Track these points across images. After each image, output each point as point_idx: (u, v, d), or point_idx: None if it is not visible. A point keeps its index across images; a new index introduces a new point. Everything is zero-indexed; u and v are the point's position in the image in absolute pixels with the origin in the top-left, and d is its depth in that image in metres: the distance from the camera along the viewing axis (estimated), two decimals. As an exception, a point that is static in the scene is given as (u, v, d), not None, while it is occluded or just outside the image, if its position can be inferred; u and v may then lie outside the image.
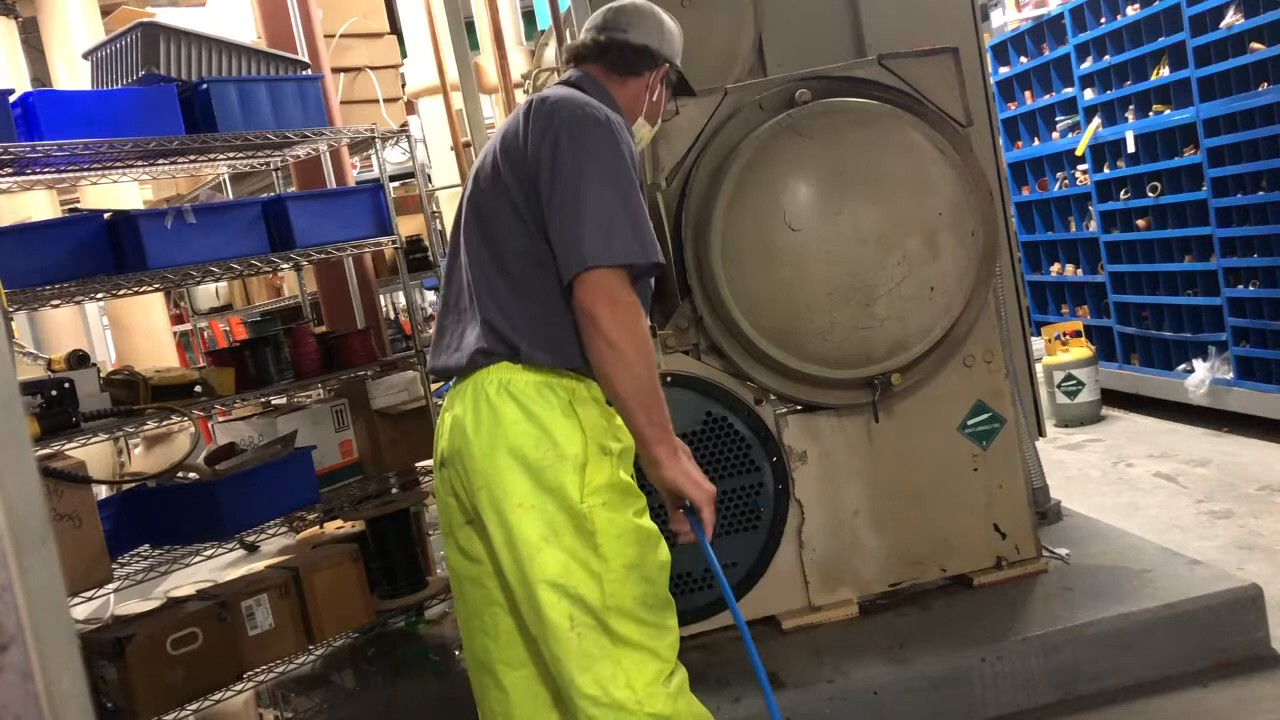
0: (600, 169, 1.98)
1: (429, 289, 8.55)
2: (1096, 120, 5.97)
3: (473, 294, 2.12)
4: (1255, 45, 4.72)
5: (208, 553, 3.56)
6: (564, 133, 2.01)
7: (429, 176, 6.11)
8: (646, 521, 2.07)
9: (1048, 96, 6.57)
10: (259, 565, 3.87)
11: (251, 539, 3.89)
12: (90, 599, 3.19)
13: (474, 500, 2.06)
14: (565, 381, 2.04)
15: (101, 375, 3.39)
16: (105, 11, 6.60)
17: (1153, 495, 4.59)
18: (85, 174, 3.84)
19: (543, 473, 1.98)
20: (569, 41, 2.40)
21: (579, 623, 1.98)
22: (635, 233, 1.98)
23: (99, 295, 3.63)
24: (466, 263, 2.15)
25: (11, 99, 3.14)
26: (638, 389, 1.98)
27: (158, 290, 5.31)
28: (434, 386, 4.37)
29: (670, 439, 2.04)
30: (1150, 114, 5.54)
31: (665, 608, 2.08)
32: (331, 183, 4.45)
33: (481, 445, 2.01)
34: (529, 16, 7.46)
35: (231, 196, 5.26)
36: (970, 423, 3.21)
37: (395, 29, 6.19)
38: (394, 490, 4.19)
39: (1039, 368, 4.74)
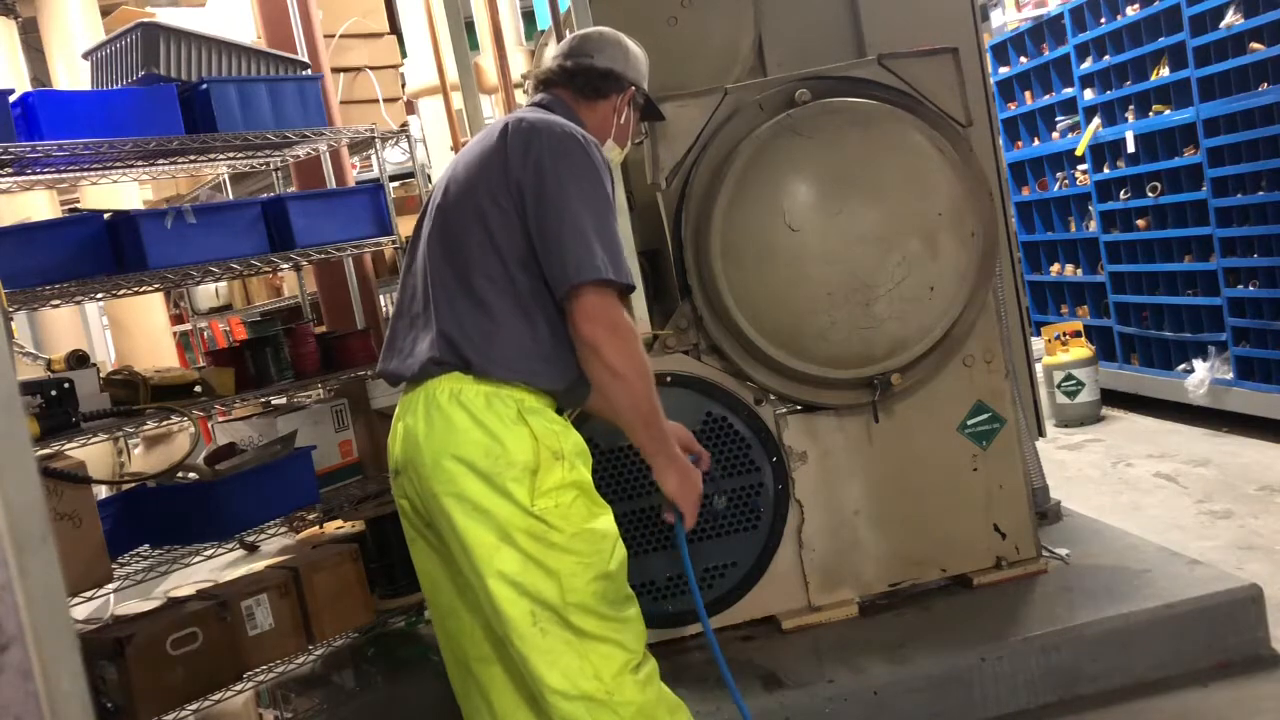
0: (583, 192, 2.05)
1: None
2: (1096, 120, 5.97)
3: (430, 304, 2.16)
4: (1255, 45, 4.72)
5: (208, 553, 3.56)
6: (546, 156, 2.07)
7: (429, 176, 6.11)
8: (603, 521, 2.11)
9: (1048, 96, 6.57)
10: (259, 565, 3.87)
11: (251, 539, 3.89)
12: (90, 599, 3.18)
13: (428, 506, 2.11)
14: (514, 392, 2.08)
15: (101, 375, 3.38)
16: (105, 11, 6.60)
17: (1153, 495, 4.59)
18: (85, 174, 3.83)
19: (493, 479, 2.02)
20: (537, 68, 2.49)
21: (541, 619, 2.02)
22: (615, 256, 2.05)
23: (99, 295, 3.63)
24: (427, 272, 2.19)
25: (11, 99, 3.14)
26: (639, 410, 2.08)
27: (158, 290, 5.31)
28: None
29: (668, 447, 2.15)
30: (1150, 114, 5.54)
31: (627, 602, 2.13)
32: (331, 183, 4.45)
33: (433, 453, 2.06)
34: (529, 16, 7.45)
35: (231, 196, 5.26)
36: (970, 423, 3.21)
37: (395, 29, 6.19)
38: (394, 490, 4.18)
39: (1039, 368, 4.74)
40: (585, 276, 2.00)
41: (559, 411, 2.18)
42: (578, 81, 2.33)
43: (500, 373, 2.07)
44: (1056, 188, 6.65)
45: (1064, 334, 6.05)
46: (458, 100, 4.95)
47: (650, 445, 2.13)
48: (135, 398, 3.35)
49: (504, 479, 2.02)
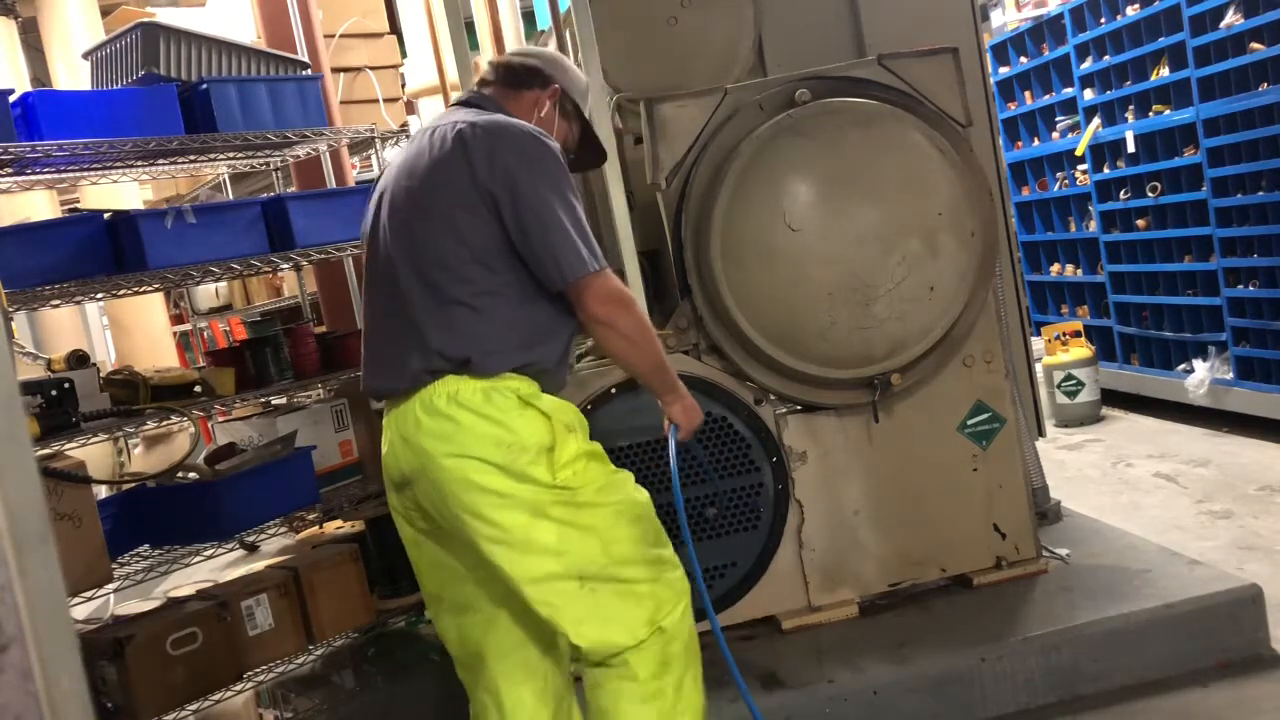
0: (554, 189, 2.14)
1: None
2: (1096, 120, 5.97)
3: (409, 316, 2.17)
4: (1255, 45, 4.72)
5: (208, 553, 3.55)
6: (513, 160, 2.13)
7: (429, 176, 6.10)
8: (620, 472, 2.22)
9: (1048, 96, 6.56)
10: (259, 565, 3.86)
11: (251, 539, 3.89)
12: (90, 599, 3.18)
13: (447, 510, 2.11)
14: (510, 383, 2.13)
15: (101, 375, 3.38)
16: (105, 11, 6.60)
17: (1153, 495, 4.59)
18: (85, 174, 3.83)
19: (510, 468, 2.06)
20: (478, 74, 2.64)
21: (589, 581, 2.09)
22: (590, 243, 2.16)
23: (99, 295, 3.63)
24: (398, 285, 2.20)
25: (11, 99, 3.13)
26: (651, 364, 2.29)
27: (158, 290, 5.31)
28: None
29: (677, 386, 2.37)
30: (1150, 114, 5.54)
31: (660, 540, 2.22)
32: (331, 183, 4.45)
33: (444, 455, 2.08)
34: (529, 16, 7.44)
35: (231, 196, 5.26)
36: (970, 423, 3.21)
37: (395, 29, 6.19)
38: (394, 490, 4.17)
39: (1039, 368, 4.74)
40: (579, 273, 2.11)
41: None
42: (501, 73, 2.43)
43: (500, 365, 2.11)
44: (1056, 188, 6.65)
45: (1064, 334, 6.05)
46: (458, 100, 4.93)
47: (662, 388, 2.35)
48: (135, 398, 3.35)
49: (520, 465, 2.06)
